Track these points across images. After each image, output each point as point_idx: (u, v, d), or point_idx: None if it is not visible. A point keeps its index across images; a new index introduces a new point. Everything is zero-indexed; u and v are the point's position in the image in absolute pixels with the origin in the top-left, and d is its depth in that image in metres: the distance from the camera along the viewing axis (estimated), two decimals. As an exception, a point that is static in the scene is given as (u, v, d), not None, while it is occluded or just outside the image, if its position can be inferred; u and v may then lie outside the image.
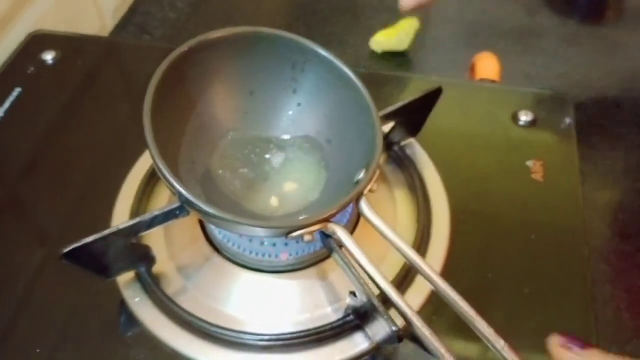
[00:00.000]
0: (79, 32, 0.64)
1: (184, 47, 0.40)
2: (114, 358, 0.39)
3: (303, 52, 0.42)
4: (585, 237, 0.44)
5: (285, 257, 0.41)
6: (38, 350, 0.39)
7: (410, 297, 0.40)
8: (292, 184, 0.42)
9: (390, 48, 0.70)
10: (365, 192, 0.37)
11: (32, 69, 0.57)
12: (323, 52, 0.41)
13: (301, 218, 0.39)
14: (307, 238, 0.35)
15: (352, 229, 0.43)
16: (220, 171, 0.42)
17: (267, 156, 0.43)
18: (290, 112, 0.44)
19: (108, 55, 0.61)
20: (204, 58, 0.41)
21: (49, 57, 0.58)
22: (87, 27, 0.70)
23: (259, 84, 0.44)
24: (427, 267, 0.35)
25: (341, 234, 0.36)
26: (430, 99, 0.45)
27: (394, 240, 0.36)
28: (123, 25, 0.76)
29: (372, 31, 0.73)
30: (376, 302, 0.34)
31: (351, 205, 0.38)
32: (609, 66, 0.71)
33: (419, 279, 0.40)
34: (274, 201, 0.41)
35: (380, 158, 0.37)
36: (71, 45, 0.60)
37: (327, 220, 0.35)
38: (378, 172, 0.37)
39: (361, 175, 0.38)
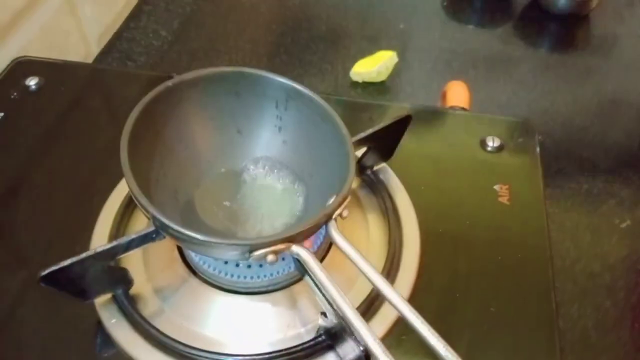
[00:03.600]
0: (63, 59, 0.65)
1: (165, 84, 0.41)
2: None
3: (285, 90, 0.44)
4: (551, 258, 0.46)
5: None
6: (14, 372, 0.40)
7: (378, 320, 0.41)
8: (275, 218, 0.44)
9: (370, 79, 0.73)
10: (334, 215, 0.38)
11: (15, 94, 0.59)
12: (303, 89, 0.43)
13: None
14: (270, 258, 0.36)
15: (324, 252, 0.44)
16: (203, 202, 0.44)
17: (250, 191, 0.45)
18: (275, 151, 0.46)
19: (91, 81, 0.62)
20: (187, 95, 0.43)
21: (32, 82, 0.59)
22: (72, 53, 0.72)
23: (245, 122, 0.46)
24: (393, 293, 0.36)
25: (305, 256, 0.37)
26: (400, 125, 0.47)
27: (361, 265, 0.38)
28: (107, 51, 0.78)
29: (351, 59, 0.76)
30: (345, 323, 0.35)
31: (322, 229, 0.39)
32: (576, 92, 0.75)
33: (388, 305, 0.42)
34: (254, 232, 0.43)
35: (351, 183, 0.39)
36: (55, 71, 0.61)
37: (289, 240, 0.36)
38: (349, 198, 0.39)
39: (331, 199, 0.39)
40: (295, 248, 0.36)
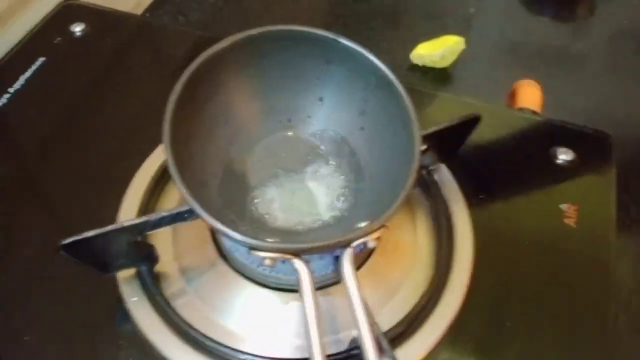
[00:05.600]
0: (112, 7, 0.62)
1: (248, 33, 0.37)
2: (101, 356, 0.37)
3: (378, 76, 0.38)
4: (613, 293, 0.42)
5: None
6: (26, 338, 0.38)
7: (418, 340, 0.37)
8: (311, 210, 0.40)
9: (432, 64, 0.68)
10: (354, 244, 0.32)
11: (59, 39, 0.56)
12: (398, 85, 0.37)
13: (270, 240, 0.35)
14: (267, 262, 0.32)
15: (366, 256, 0.41)
16: (251, 166, 0.41)
17: (307, 175, 0.41)
18: (350, 133, 0.42)
19: (138, 33, 0.59)
20: (267, 48, 0.39)
21: (77, 28, 0.56)
22: (121, 1, 0.68)
23: (330, 92, 0.41)
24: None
25: (302, 274, 0.32)
26: (467, 126, 0.42)
27: (355, 308, 0.32)
28: (159, 2, 0.74)
29: (412, 40, 0.70)
30: (384, 343, 0.32)
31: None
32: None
33: (432, 321, 0.38)
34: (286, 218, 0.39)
35: (390, 217, 0.33)
36: (102, 19, 0.58)
37: (292, 253, 0.32)
38: (381, 231, 0.33)
39: (362, 224, 0.35)
40: (297, 262, 0.32)
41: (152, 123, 0.34)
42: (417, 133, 0.35)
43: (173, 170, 0.33)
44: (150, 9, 0.73)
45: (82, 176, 0.46)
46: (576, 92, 0.68)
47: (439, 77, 0.68)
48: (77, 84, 0.52)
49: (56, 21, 0.57)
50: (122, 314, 0.38)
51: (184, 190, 0.33)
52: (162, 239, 0.41)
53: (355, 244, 0.32)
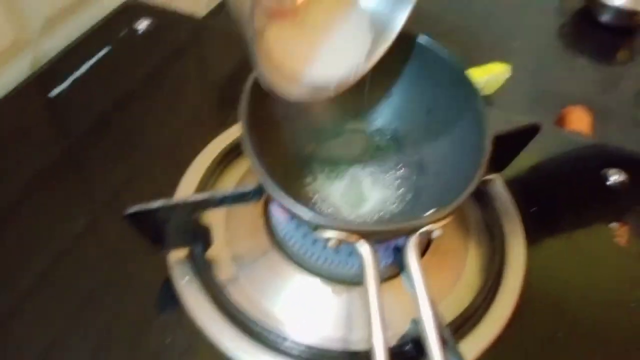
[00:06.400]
0: (174, 7, 0.64)
1: None
2: (144, 333, 0.37)
3: (449, 72, 0.39)
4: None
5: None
6: (71, 311, 0.38)
7: (473, 339, 0.37)
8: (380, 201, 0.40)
9: None
10: (421, 231, 0.32)
11: (124, 32, 0.58)
12: (466, 75, 0.38)
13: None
14: (331, 243, 0.31)
15: (422, 250, 0.40)
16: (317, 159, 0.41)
17: (371, 170, 0.41)
18: (418, 132, 0.42)
19: (198, 34, 0.60)
20: None
21: (141, 25, 0.58)
22: (184, 3, 0.70)
23: (400, 88, 0.42)
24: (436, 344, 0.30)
25: (366, 256, 0.32)
26: (525, 134, 0.42)
27: (422, 303, 0.31)
28: (220, 7, 0.77)
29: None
30: (447, 334, 0.31)
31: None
32: None
33: (487, 321, 0.37)
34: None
35: (458, 204, 0.33)
36: (164, 18, 0.60)
37: (359, 234, 0.32)
38: (448, 220, 0.33)
39: (429, 212, 0.35)
40: (361, 245, 0.32)
41: (211, 114, 0.35)
42: (487, 123, 0.35)
43: (247, 142, 0.33)
44: (212, 12, 0.75)
45: (140, 158, 0.47)
46: (621, 131, 0.68)
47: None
48: (139, 74, 0.54)
49: (122, 17, 0.59)
50: (170, 294, 0.38)
51: (256, 163, 0.32)
52: (215, 223, 0.41)
53: (422, 230, 0.32)
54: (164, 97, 0.52)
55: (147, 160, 0.47)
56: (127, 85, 0.53)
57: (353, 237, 0.32)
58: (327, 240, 0.32)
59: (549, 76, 0.75)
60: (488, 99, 0.70)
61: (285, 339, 0.36)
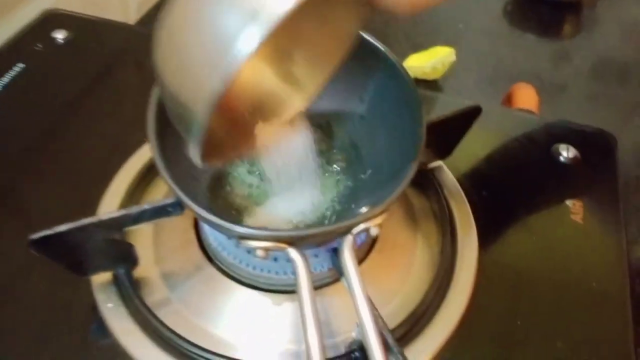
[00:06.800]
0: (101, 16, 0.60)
1: None
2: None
3: (376, 57, 0.36)
4: (630, 288, 0.39)
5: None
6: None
7: (424, 341, 0.34)
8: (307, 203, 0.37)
9: (423, 76, 0.67)
10: (356, 231, 0.30)
11: (40, 46, 0.54)
12: (400, 68, 0.35)
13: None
14: (259, 253, 0.29)
15: (366, 252, 0.38)
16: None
17: (304, 168, 0.38)
18: (352, 125, 0.39)
19: (122, 42, 0.57)
20: None
21: (59, 35, 0.54)
22: (109, 14, 0.67)
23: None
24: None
25: (299, 263, 0.29)
26: (467, 118, 0.40)
27: (358, 303, 0.29)
28: (146, 20, 0.73)
29: (403, 54, 0.69)
30: (390, 339, 0.29)
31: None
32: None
33: (439, 318, 0.35)
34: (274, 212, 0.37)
35: (393, 201, 0.30)
36: (85, 27, 0.56)
37: (287, 242, 0.29)
38: (382, 217, 0.31)
39: (363, 209, 0.32)
40: (293, 253, 0.29)
41: (137, 127, 0.32)
42: (422, 111, 0.33)
43: (156, 156, 0.30)
44: (137, 25, 0.71)
45: (61, 176, 0.43)
46: (571, 104, 0.67)
47: (430, 89, 0.67)
48: (58, 89, 0.50)
49: (38, 28, 0.55)
50: (98, 323, 0.35)
51: (166, 176, 0.30)
52: (142, 240, 0.38)
53: (356, 230, 0.29)
54: (86, 112, 0.49)
55: (68, 177, 0.43)
56: (47, 102, 0.49)
57: (281, 245, 0.29)
58: (255, 250, 0.29)
59: (497, 56, 0.74)
60: (436, 84, 0.68)
61: (227, 358, 0.33)
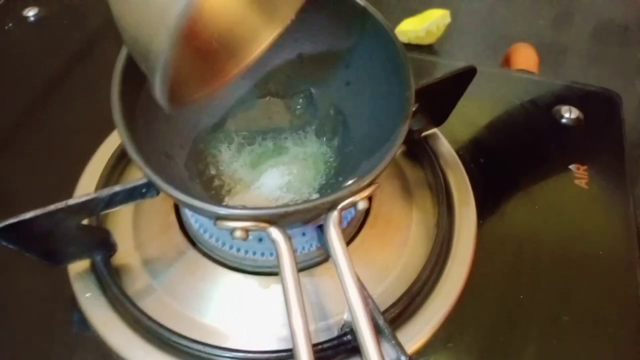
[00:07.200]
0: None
1: None
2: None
3: (362, 17, 0.33)
4: (637, 258, 0.37)
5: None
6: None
7: (419, 321, 0.32)
8: (301, 181, 0.35)
9: (417, 40, 0.63)
10: (341, 206, 0.27)
11: (10, 24, 0.51)
12: (384, 24, 0.33)
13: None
14: (237, 234, 0.27)
15: (356, 229, 0.35)
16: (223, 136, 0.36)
17: (289, 142, 0.36)
18: (335, 91, 0.37)
19: (98, 18, 0.54)
20: None
21: (31, 13, 0.52)
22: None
23: (309, 46, 0.36)
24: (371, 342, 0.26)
25: (281, 244, 0.27)
26: (461, 80, 0.37)
27: (346, 280, 0.27)
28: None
29: (396, 19, 0.66)
30: (381, 321, 0.27)
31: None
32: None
33: (437, 296, 0.33)
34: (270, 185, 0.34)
35: (382, 170, 0.28)
36: (57, 4, 0.53)
37: (267, 221, 0.27)
38: (371, 189, 0.28)
39: (349, 182, 0.30)
40: (274, 232, 0.27)
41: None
42: (410, 72, 0.30)
43: (124, 137, 0.28)
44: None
45: (35, 160, 0.41)
46: (573, 65, 0.64)
47: (425, 53, 0.64)
48: (31, 70, 0.47)
49: (7, 6, 0.52)
50: (76, 314, 0.33)
51: (135, 157, 0.28)
52: (120, 225, 0.36)
53: (342, 204, 0.27)
54: (59, 92, 0.46)
55: (42, 160, 0.41)
56: (19, 82, 0.46)
57: (261, 225, 0.27)
58: (233, 231, 0.27)
59: (494, 18, 0.70)
60: (432, 49, 0.65)
61: (214, 347, 0.31)
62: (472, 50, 0.65)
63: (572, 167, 0.41)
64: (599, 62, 0.66)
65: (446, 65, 0.48)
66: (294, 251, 0.27)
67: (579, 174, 0.40)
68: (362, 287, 0.27)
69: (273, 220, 0.27)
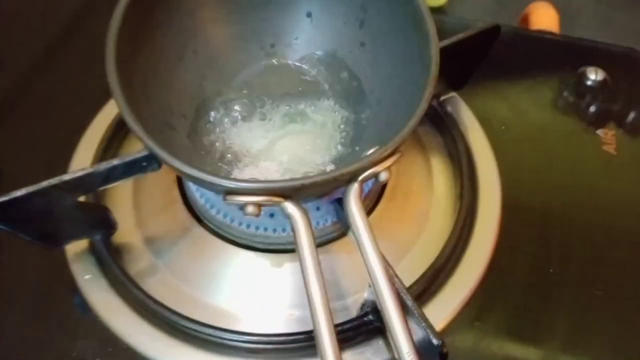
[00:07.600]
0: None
1: None
2: (55, 350, 0.29)
3: None
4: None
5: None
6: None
7: (444, 298, 0.30)
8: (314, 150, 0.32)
9: (429, 2, 0.60)
10: (362, 177, 0.25)
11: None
12: None
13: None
14: (249, 210, 0.24)
15: (373, 202, 0.33)
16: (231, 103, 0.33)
17: (299, 110, 0.33)
18: (349, 53, 0.34)
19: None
20: None
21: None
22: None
23: (319, 5, 0.34)
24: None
25: (298, 219, 0.25)
26: (484, 41, 0.34)
27: (369, 256, 0.25)
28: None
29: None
30: (409, 302, 0.24)
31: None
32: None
33: (459, 277, 0.31)
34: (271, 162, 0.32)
35: (405, 137, 0.25)
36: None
37: (280, 195, 0.25)
38: (395, 158, 0.26)
39: (370, 151, 0.27)
40: (290, 207, 0.25)
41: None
42: (433, 28, 0.27)
43: (122, 105, 0.26)
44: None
45: (29, 133, 0.38)
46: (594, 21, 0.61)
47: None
48: (22, 38, 0.44)
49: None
50: (77, 297, 0.31)
51: (135, 127, 0.25)
52: (120, 202, 0.33)
53: (363, 176, 0.25)
54: (57, 62, 0.43)
55: (35, 134, 0.38)
56: (14, 54, 0.43)
57: (275, 199, 0.24)
58: (244, 207, 0.25)
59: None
60: (442, 12, 0.62)
61: (224, 331, 0.29)
62: (485, 12, 0.62)
63: (599, 132, 0.38)
64: (616, 24, 0.63)
65: (462, 27, 0.45)
66: (311, 226, 0.25)
67: (607, 139, 0.38)
68: (387, 264, 0.24)
69: (288, 193, 0.25)
